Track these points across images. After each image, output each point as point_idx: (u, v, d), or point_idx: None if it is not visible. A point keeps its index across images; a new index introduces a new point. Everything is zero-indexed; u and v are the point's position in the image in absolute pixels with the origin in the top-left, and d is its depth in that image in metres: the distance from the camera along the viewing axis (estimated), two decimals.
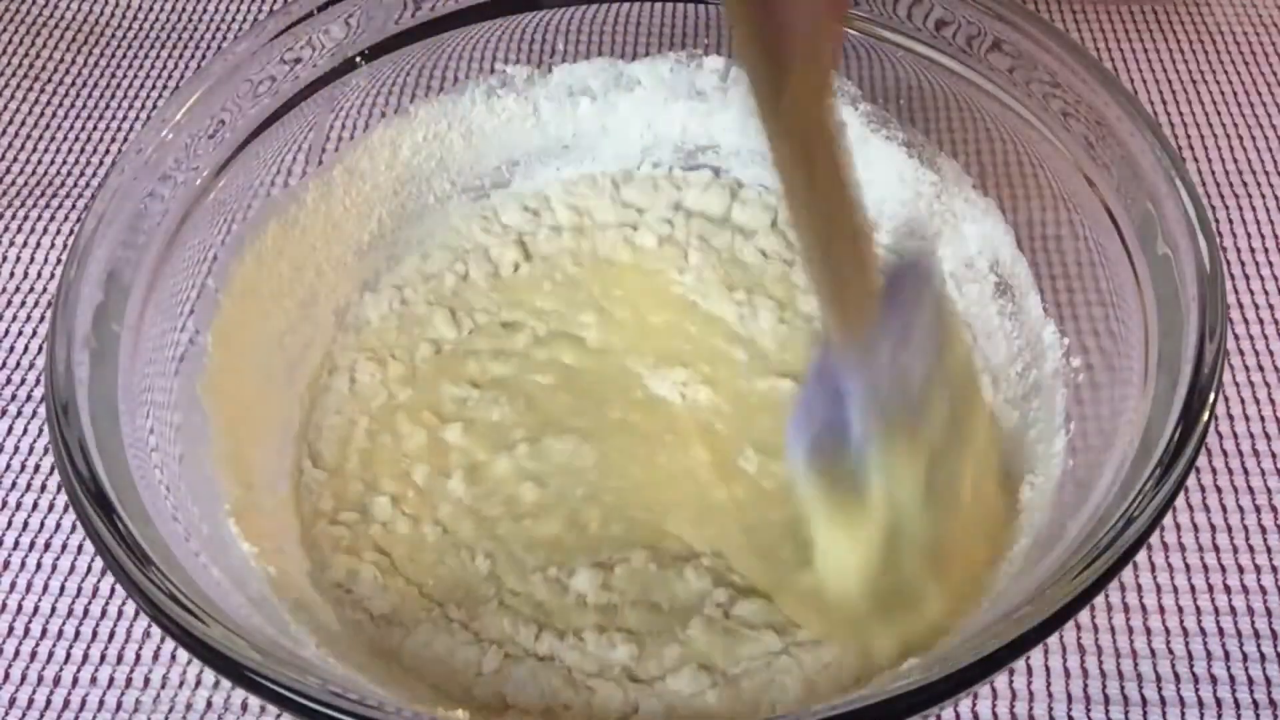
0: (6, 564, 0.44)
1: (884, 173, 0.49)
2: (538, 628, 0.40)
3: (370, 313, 0.49)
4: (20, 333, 0.51)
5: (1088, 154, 0.41)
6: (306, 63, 0.45)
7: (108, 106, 0.60)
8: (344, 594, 0.41)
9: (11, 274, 0.53)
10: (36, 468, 0.47)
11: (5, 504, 0.45)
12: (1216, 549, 0.44)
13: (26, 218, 0.55)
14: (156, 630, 0.40)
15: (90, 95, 0.61)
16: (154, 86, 0.61)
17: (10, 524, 0.45)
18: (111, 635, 0.42)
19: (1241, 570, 0.43)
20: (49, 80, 0.61)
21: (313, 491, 0.44)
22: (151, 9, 0.65)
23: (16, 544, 0.44)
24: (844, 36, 0.46)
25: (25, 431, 0.48)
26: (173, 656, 0.41)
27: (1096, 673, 0.41)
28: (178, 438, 0.38)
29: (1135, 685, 0.40)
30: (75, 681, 0.41)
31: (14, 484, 0.46)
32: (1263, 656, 0.41)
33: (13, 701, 0.41)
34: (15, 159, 0.58)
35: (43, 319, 0.51)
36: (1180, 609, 0.42)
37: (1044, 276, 0.45)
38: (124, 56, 0.63)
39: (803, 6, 0.28)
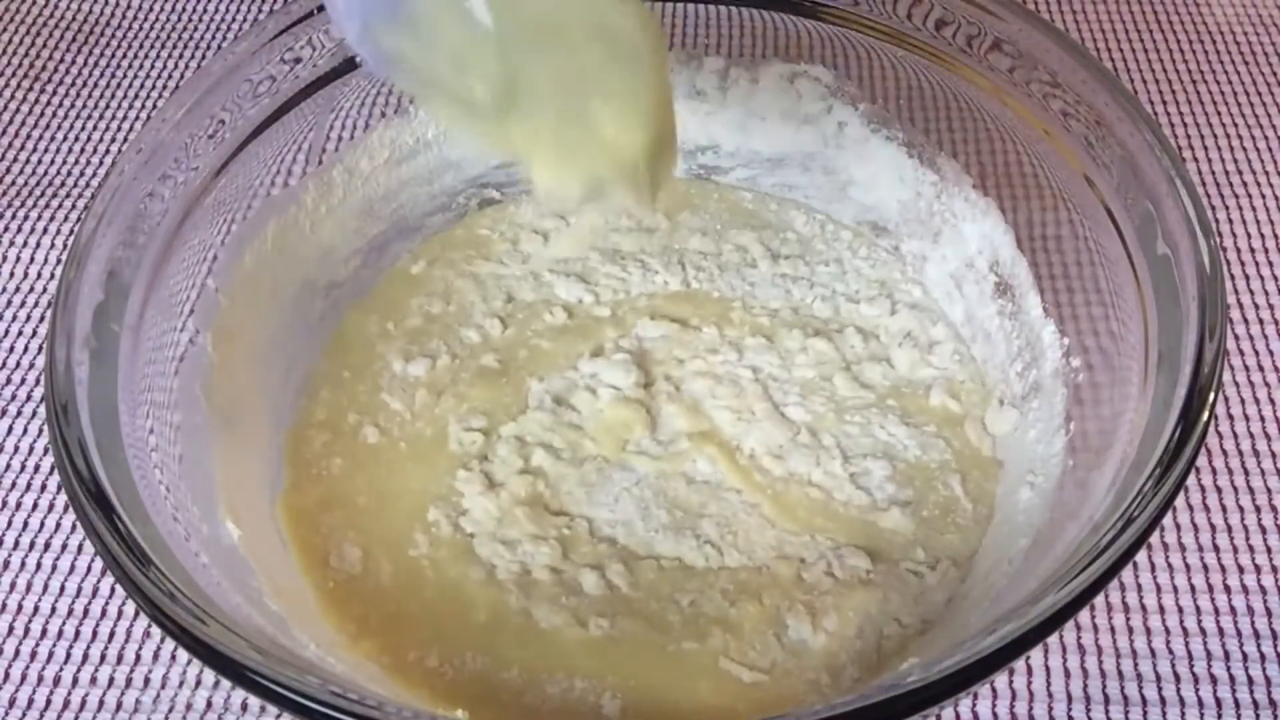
0: (6, 564, 0.44)
1: (884, 173, 0.49)
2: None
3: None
4: (20, 333, 0.51)
5: (1088, 154, 0.41)
6: (306, 63, 0.45)
7: (108, 106, 0.60)
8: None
9: (11, 274, 0.53)
10: (36, 468, 0.47)
11: (5, 504, 0.46)
12: (1216, 549, 0.44)
13: (26, 218, 0.55)
14: (156, 630, 0.40)
15: (90, 95, 0.61)
16: (154, 86, 0.61)
17: (10, 524, 0.45)
18: (111, 635, 0.42)
19: (1241, 570, 0.43)
20: (49, 80, 0.61)
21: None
22: (151, 9, 0.65)
23: (16, 544, 0.44)
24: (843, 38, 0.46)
25: (25, 431, 0.48)
26: (173, 656, 0.41)
27: (1096, 673, 0.41)
28: (178, 438, 0.38)
29: (1135, 685, 0.40)
30: (75, 681, 0.41)
31: (14, 484, 0.46)
32: (1263, 656, 0.41)
33: (13, 701, 0.41)
34: (15, 159, 0.58)
35: (43, 319, 0.51)
36: (1180, 609, 0.42)
37: (1044, 276, 0.44)
38: (124, 56, 0.63)
39: None
